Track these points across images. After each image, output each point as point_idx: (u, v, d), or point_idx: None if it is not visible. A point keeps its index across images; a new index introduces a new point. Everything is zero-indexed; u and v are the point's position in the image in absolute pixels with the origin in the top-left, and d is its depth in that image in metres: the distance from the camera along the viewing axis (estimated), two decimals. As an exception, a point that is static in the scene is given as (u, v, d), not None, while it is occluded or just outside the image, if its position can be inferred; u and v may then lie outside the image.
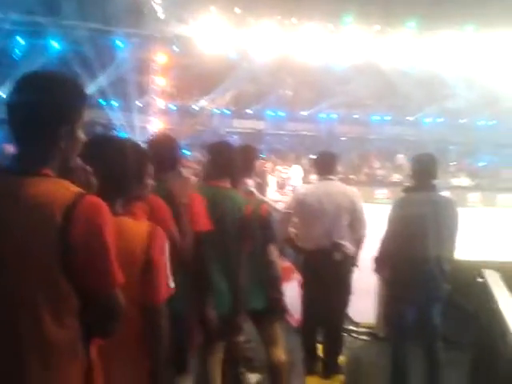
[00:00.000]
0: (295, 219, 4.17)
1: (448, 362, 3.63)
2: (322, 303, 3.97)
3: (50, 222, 1.40)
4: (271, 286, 3.23)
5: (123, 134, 14.93)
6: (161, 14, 16.69)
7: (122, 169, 1.94)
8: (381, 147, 23.94)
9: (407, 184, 4.29)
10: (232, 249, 2.93)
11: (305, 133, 23.70)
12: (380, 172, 22.72)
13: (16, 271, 1.42)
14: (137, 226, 1.90)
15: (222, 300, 2.89)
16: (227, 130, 21.60)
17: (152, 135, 3.76)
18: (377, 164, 23.47)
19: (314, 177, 6.17)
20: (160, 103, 18.08)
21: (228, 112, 22.70)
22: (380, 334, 4.76)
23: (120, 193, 1.94)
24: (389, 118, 24.21)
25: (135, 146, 2.28)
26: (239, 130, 22.17)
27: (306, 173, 16.81)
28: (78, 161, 1.62)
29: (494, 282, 3.25)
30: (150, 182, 2.24)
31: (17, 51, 17.47)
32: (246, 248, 2.99)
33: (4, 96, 16.34)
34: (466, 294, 3.93)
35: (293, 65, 18.78)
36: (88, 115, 1.61)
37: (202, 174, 3.42)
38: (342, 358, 4.26)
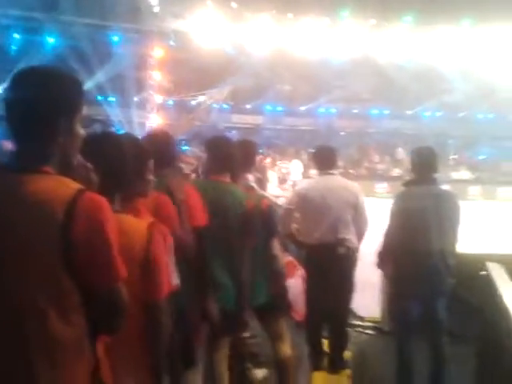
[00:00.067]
0: (297, 214, 4.15)
1: (453, 356, 3.62)
2: (327, 298, 3.96)
3: (51, 219, 1.39)
4: (275, 280, 3.21)
5: (121, 130, 14.88)
6: (157, 9, 16.62)
7: (122, 165, 1.94)
8: (380, 141, 23.96)
9: (408, 178, 4.27)
10: (235, 244, 2.91)
11: (304, 127, 23.69)
12: (380, 166, 22.72)
13: (18, 270, 1.41)
14: (136, 223, 1.90)
15: (226, 296, 2.88)
16: (225, 125, 21.58)
17: (148, 131, 3.74)
18: (376, 158, 23.47)
19: (313, 171, 6.15)
20: (157, 98, 18.03)
21: (226, 107, 22.67)
22: (385, 328, 4.75)
23: (120, 189, 1.94)
24: (387, 111, 24.20)
25: (136, 141, 2.26)
26: (238, 125, 22.15)
27: (306, 168, 16.80)
28: (79, 157, 1.60)
29: (497, 274, 3.23)
30: (152, 178, 2.22)
31: (13, 47, 17.38)
32: (249, 243, 2.97)
33: (0, 92, 16.34)
34: (469, 287, 3.92)
35: (290, 59, 18.74)
36: (86, 111, 1.59)
37: (201, 170, 3.40)
38: (347, 353, 4.26)
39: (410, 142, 18.01)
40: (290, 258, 4.92)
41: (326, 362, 4.16)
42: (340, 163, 12.34)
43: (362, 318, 5.05)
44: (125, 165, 1.93)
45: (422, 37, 18.79)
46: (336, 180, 4.14)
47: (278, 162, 18.01)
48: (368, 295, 4.88)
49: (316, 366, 4.12)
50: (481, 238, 7.76)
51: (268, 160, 17.46)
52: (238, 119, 22.77)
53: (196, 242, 2.57)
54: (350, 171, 19.41)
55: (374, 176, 20.79)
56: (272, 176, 16.69)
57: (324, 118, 23.93)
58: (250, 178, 3.58)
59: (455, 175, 20.61)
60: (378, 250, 3.74)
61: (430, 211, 3.53)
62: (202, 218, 2.67)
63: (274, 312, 3.28)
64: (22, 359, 1.40)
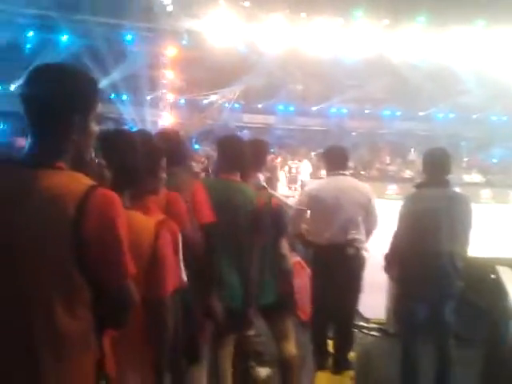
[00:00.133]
0: (307, 215, 4.14)
1: (460, 359, 3.59)
2: (333, 299, 3.95)
3: (64, 214, 1.40)
4: (283, 279, 3.21)
5: (134, 129, 14.96)
6: (170, 8, 16.69)
7: (134, 162, 1.95)
8: (392, 142, 23.84)
9: (419, 180, 4.22)
10: (244, 242, 2.91)
11: (315, 128, 23.64)
12: (391, 168, 22.62)
13: (29, 264, 1.42)
14: (145, 221, 1.92)
15: (233, 293, 2.89)
16: (237, 124, 21.60)
17: (159, 130, 3.76)
18: (387, 159, 23.37)
19: (324, 172, 6.12)
20: (170, 97, 18.11)
21: (238, 106, 22.69)
22: (390, 330, 4.73)
23: (132, 186, 1.95)
24: (399, 113, 24.07)
25: (149, 139, 2.28)
26: (249, 125, 22.16)
27: (315, 168, 16.76)
28: (92, 154, 1.62)
29: (507, 278, 3.22)
30: (164, 175, 2.24)
31: (28, 45, 17.55)
32: (259, 241, 2.97)
33: (12, 90, 16.50)
34: (479, 290, 3.89)
35: (303, 59, 18.72)
36: (99, 109, 1.61)
37: (212, 168, 3.42)
38: (352, 354, 4.25)
39: (422, 144, 17.92)
40: (298, 258, 4.93)
41: (330, 362, 4.15)
42: (351, 164, 12.31)
43: (367, 320, 5.03)
44: (137, 162, 1.95)
45: (436, 37, 18.67)
46: (347, 181, 4.12)
47: (289, 162, 18.01)
48: (375, 297, 4.86)
49: (320, 366, 4.10)
50: (491, 242, 7.70)
51: (279, 160, 17.48)
52: (249, 119, 22.79)
53: (203, 239, 2.58)
54: (361, 172, 19.36)
55: (385, 177, 20.68)
56: (281, 176, 16.71)
57: (336, 118, 23.86)
58: (261, 177, 3.59)
59: (467, 178, 20.45)
60: (386, 253, 3.72)
61: (441, 213, 3.49)
62: (208, 215, 2.67)
63: (280, 311, 3.27)
64: (28, 351, 1.42)
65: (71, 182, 1.45)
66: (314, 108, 23.68)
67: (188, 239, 2.33)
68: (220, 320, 2.78)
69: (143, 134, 2.45)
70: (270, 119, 23.39)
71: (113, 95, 17.46)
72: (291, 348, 3.31)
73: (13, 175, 1.49)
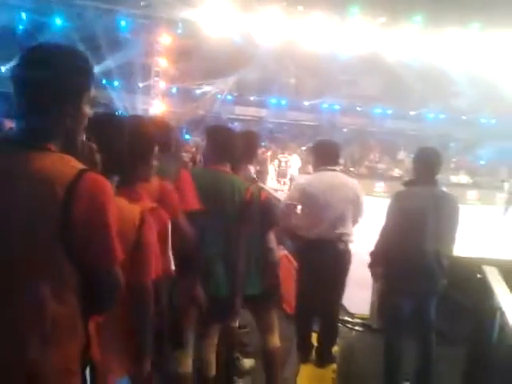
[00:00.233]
0: (297, 209, 4.13)
1: (444, 357, 3.63)
2: (320, 293, 3.96)
3: (53, 196, 1.39)
4: (269, 272, 3.20)
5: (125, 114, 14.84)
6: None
7: (126, 147, 1.92)
8: (382, 140, 23.94)
9: (407, 178, 4.22)
10: (232, 232, 2.90)
11: (307, 123, 23.65)
12: (380, 166, 22.73)
13: (18, 246, 1.41)
14: (130, 208, 1.91)
15: (219, 283, 2.87)
16: (229, 116, 21.54)
17: (148, 118, 3.71)
18: (377, 157, 23.48)
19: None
20: (162, 85, 17.98)
21: (230, 98, 22.61)
22: (374, 325, 4.77)
23: (123, 171, 1.93)
24: (390, 111, 24.16)
25: (142, 125, 2.24)
26: (241, 117, 22.12)
27: (305, 162, 16.77)
28: (84, 137, 1.60)
29: (493, 278, 3.24)
30: (155, 163, 2.22)
31: (20, 27, 17.31)
32: (245, 230, 2.95)
33: (3, 71, 16.26)
34: (464, 289, 3.91)
35: (298, 53, 18.70)
36: (92, 93, 1.57)
37: (200, 158, 3.39)
38: (335, 348, 4.27)
39: (412, 143, 18.03)
40: (285, 252, 4.93)
41: (313, 354, 4.17)
42: (341, 160, 12.32)
43: (352, 315, 5.06)
44: (129, 147, 1.93)
45: (431, 38, 18.75)
46: (338, 177, 4.10)
47: (279, 156, 18.00)
48: (360, 292, 4.89)
49: (304, 359, 4.12)
50: (478, 243, 7.78)
51: (269, 153, 17.46)
52: (241, 111, 22.74)
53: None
54: (351, 169, 19.43)
55: (374, 175, 20.79)
56: (271, 169, 16.71)
57: (327, 113, 23.89)
58: (252, 169, 3.57)
59: (454, 179, 20.63)
60: (372, 250, 3.74)
61: (428, 211, 3.51)
62: (193, 203, 2.65)
63: (266, 303, 3.27)
64: (14, 334, 1.41)
65: (61, 164, 1.44)
66: (307, 103, 23.68)
67: (179, 229, 2.32)
68: (203, 307, 2.77)
69: (136, 120, 2.41)
70: (262, 112, 23.36)
71: (104, 81, 17.29)
72: (275, 340, 3.32)
73: (2, 156, 1.47)
